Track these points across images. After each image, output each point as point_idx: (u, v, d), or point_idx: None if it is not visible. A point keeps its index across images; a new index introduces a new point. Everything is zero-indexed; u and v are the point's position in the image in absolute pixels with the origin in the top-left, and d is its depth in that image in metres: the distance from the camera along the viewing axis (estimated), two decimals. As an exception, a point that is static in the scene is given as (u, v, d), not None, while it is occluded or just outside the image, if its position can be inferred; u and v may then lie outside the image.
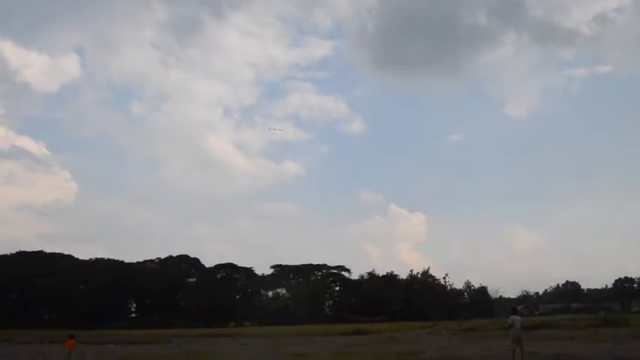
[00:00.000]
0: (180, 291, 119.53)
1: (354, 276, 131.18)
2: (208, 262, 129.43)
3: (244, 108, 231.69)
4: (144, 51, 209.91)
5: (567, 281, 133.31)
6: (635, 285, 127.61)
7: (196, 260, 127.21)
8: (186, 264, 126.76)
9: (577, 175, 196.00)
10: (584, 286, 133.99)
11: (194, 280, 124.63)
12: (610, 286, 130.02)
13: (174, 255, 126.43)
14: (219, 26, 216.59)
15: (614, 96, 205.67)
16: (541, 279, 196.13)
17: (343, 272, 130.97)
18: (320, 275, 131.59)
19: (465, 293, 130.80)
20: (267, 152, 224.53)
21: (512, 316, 18.98)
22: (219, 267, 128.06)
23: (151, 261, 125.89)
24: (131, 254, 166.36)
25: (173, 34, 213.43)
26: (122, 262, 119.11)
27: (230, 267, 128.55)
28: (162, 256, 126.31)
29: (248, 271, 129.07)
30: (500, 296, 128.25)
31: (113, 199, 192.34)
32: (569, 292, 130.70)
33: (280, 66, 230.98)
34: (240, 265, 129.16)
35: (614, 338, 28.33)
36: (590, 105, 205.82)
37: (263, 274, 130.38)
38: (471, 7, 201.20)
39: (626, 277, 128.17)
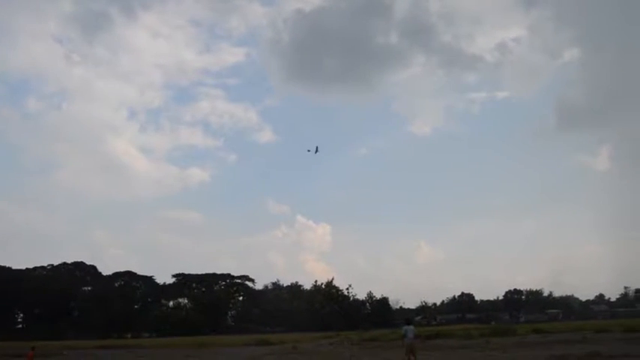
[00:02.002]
0: (74, 300, 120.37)
1: (259, 286, 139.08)
2: (106, 269, 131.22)
3: (151, 111, 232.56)
4: (45, 44, 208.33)
5: (463, 293, 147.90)
6: (523, 297, 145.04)
7: (93, 267, 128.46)
8: (81, 271, 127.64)
9: (474, 193, 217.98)
10: (477, 297, 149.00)
11: (90, 288, 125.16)
12: (501, 297, 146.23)
13: (69, 261, 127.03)
14: (129, 25, 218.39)
15: (509, 120, 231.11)
16: (439, 291, 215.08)
17: (247, 282, 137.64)
18: (224, 285, 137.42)
19: (368, 304, 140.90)
20: (173, 157, 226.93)
21: (405, 326, 21.72)
22: (118, 275, 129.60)
23: (43, 267, 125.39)
24: (20, 260, 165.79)
25: (79, 29, 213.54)
26: (9, 268, 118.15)
27: (129, 275, 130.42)
28: (56, 263, 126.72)
29: (148, 280, 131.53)
30: (401, 307, 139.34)
31: (1, 200, 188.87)
32: (464, 303, 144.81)
33: (190, 70, 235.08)
34: (139, 273, 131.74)
35: (503, 347, 32.52)
36: (488, 127, 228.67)
37: (164, 283, 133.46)
38: (385, 27, 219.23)
39: (515, 290, 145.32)
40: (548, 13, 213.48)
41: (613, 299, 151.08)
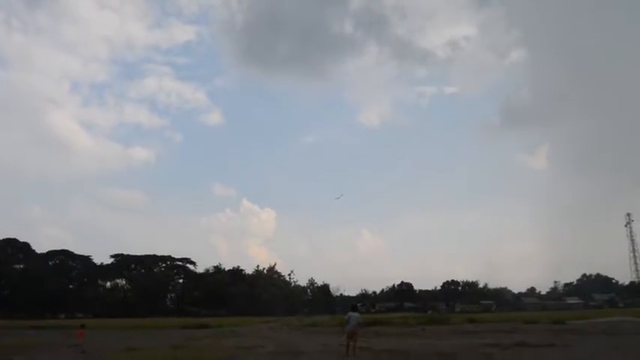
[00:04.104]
0: (5, 278, 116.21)
1: (200, 269, 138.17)
2: (40, 247, 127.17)
3: (94, 85, 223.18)
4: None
5: (402, 282, 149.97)
6: (460, 287, 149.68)
7: (26, 245, 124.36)
8: (13, 248, 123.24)
9: (417, 185, 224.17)
10: (416, 287, 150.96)
11: (22, 266, 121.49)
12: (439, 287, 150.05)
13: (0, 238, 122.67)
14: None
15: (455, 115, 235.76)
16: (379, 279, 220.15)
17: (188, 265, 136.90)
18: (164, 267, 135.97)
19: (309, 290, 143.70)
20: (116, 135, 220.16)
21: (349, 313, 20.80)
22: (52, 253, 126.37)
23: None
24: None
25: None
26: None
27: (64, 254, 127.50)
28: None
29: (85, 260, 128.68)
30: (342, 294, 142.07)
31: None
32: (403, 292, 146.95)
33: (139, 46, 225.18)
34: (76, 252, 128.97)
35: (437, 335, 33.12)
36: (434, 122, 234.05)
37: (102, 263, 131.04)
38: (340, 15, 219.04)
39: (452, 280, 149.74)
40: (499, 13, 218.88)
41: (543, 292, 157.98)
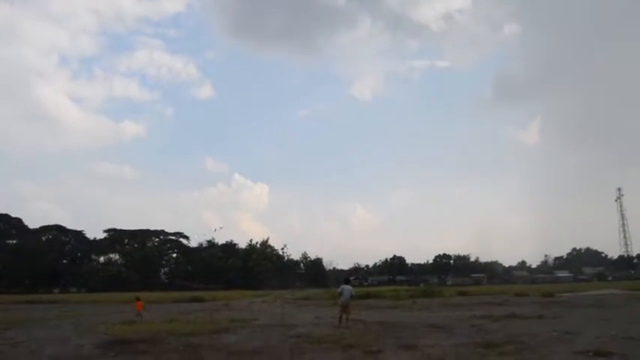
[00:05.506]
0: None
1: (193, 243, 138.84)
2: (32, 222, 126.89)
3: (83, 58, 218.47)
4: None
5: (395, 256, 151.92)
6: (452, 261, 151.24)
7: (18, 220, 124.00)
8: (5, 223, 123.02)
9: (410, 159, 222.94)
10: (408, 260, 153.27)
11: (14, 241, 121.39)
12: (430, 261, 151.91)
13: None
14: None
15: (448, 89, 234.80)
16: (372, 253, 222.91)
17: (182, 239, 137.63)
18: (157, 241, 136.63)
19: (302, 264, 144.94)
20: (106, 109, 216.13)
21: (342, 285, 20.95)
22: (45, 228, 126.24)
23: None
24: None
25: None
26: None
27: (57, 229, 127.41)
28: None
29: (78, 235, 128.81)
30: (334, 268, 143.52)
31: None
32: (395, 266, 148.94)
33: (128, 18, 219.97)
34: (69, 227, 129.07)
35: (429, 307, 33.68)
36: (427, 95, 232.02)
37: (95, 238, 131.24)
38: None
39: (444, 254, 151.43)
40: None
41: (534, 266, 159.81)
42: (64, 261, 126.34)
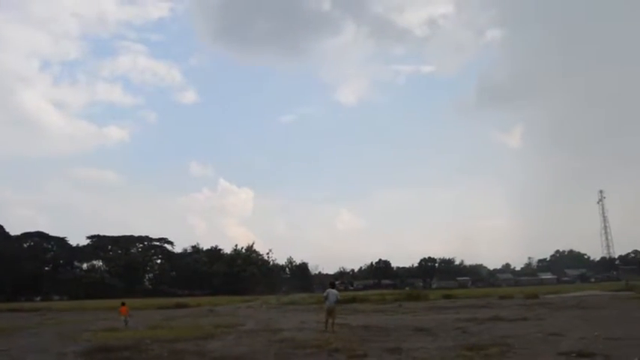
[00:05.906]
0: None
1: (178, 249, 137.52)
2: (13, 229, 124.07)
3: (66, 63, 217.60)
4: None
5: (380, 259, 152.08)
6: (436, 264, 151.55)
7: None
8: None
9: (395, 163, 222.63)
10: (394, 264, 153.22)
11: None
12: (416, 265, 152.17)
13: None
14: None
15: (432, 94, 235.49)
16: (357, 257, 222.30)
17: (166, 245, 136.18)
18: (141, 247, 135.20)
19: (287, 269, 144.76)
20: (89, 114, 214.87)
21: (328, 290, 20.90)
22: (27, 235, 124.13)
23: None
24: None
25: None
26: None
27: (39, 236, 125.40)
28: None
29: (60, 241, 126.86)
30: (320, 272, 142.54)
31: None
32: (380, 270, 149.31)
33: (111, 22, 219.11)
34: (51, 234, 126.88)
35: (414, 311, 33.96)
36: (411, 100, 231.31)
37: (78, 244, 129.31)
38: None
39: (429, 257, 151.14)
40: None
41: (518, 268, 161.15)
42: (46, 268, 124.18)
